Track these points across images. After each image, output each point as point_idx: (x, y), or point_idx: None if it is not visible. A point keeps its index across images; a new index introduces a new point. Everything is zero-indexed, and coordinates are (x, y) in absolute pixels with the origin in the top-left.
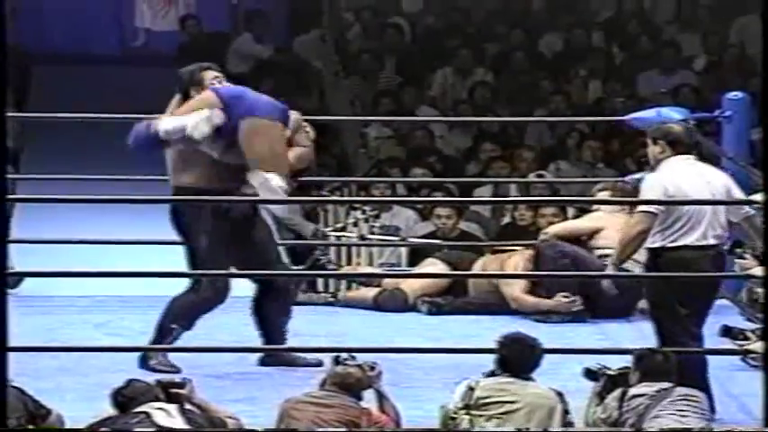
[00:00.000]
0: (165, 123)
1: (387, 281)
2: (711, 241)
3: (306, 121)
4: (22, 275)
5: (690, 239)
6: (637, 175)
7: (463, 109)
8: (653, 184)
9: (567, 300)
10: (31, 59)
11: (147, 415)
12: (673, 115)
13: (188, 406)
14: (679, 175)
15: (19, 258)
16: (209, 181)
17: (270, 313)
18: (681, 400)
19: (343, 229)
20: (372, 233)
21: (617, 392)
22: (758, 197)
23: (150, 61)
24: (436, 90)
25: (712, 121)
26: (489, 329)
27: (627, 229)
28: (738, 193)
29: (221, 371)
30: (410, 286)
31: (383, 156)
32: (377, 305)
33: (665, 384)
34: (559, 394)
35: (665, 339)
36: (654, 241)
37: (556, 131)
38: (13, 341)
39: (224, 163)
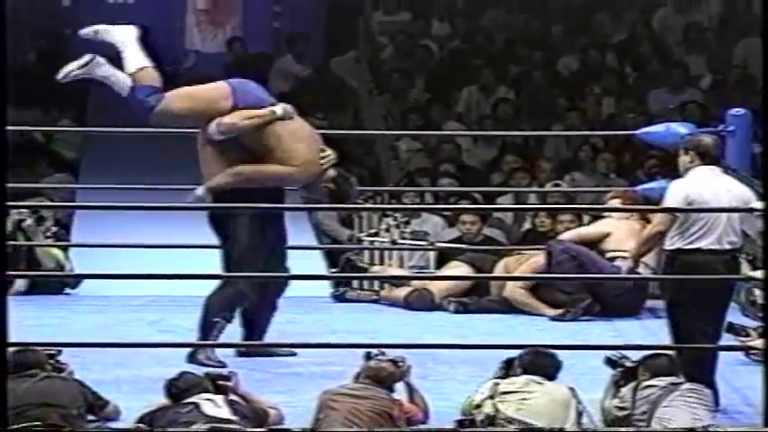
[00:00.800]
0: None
1: (415, 281)
2: (726, 246)
3: (341, 134)
4: (82, 277)
5: (704, 243)
6: (647, 185)
7: (487, 124)
8: (676, 189)
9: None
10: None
11: (196, 405)
12: (680, 130)
13: (233, 397)
14: (702, 183)
15: (78, 261)
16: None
17: (258, 309)
18: (689, 393)
19: (377, 234)
20: (403, 238)
21: (632, 384)
22: (760, 205)
23: (200, 80)
24: (462, 106)
25: (717, 136)
26: (510, 327)
27: (648, 228)
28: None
29: (263, 365)
30: (437, 287)
31: (413, 167)
32: (407, 304)
33: (675, 379)
34: (572, 389)
35: (678, 337)
36: (672, 243)
37: (572, 144)
38: (73, 337)
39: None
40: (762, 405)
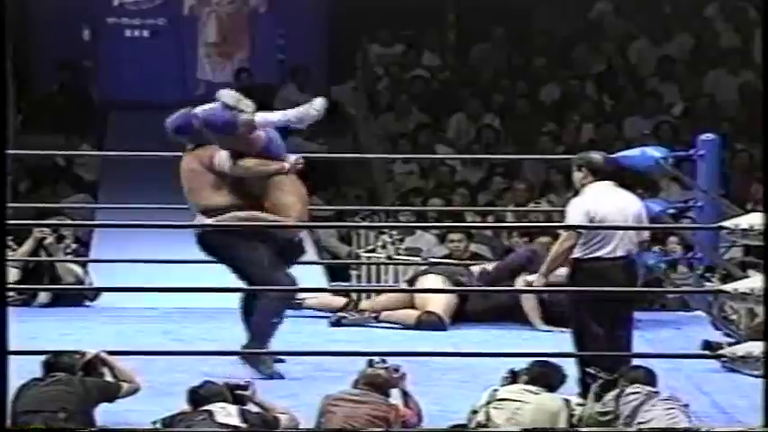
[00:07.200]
0: (280, 115)
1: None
2: (620, 253)
3: (340, 158)
4: (99, 290)
5: (603, 252)
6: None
7: (474, 148)
8: (576, 207)
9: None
10: (109, 106)
11: (210, 413)
12: (654, 153)
13: (250, 405)
14: (599, 199)
15: (97, 275)
16: (237, 200)
17: (257, 314)
18: (668, 400)
19: (373, 250)
20: (398, 254)
21: (615, 391)
22: (729, 223)
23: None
24: (451, 132)
25: (688, 159)
26: (498, 337)
27: (557, 245)
28: (645, 218)
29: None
30: (443, 309)
31: (407, 188)
32: (418, 325)
33: (654, 388)
34: (566, 401)
35: (580, 337)
36: (574, 252)
37: (553, 168)
38: (93, 345)
39: (244, 184)
40: (762, 406)
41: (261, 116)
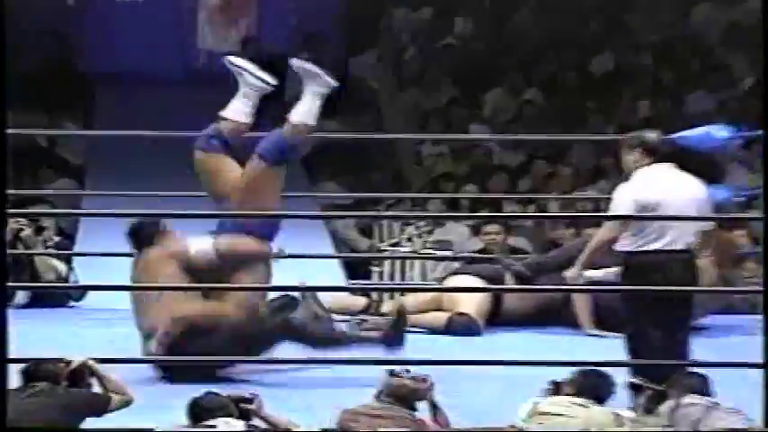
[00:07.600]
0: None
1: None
2: (679, 246)
3: (361, 138)
4: (86, 288)
5: (660, 244)
6: None
7: (514, 128)
8: (624, 193)
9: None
10: (98, 80)
11: (213, 428)
12: (720, 134)
13: (255, 420)
14: (652, 184)
15: (84, 272)
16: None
17: None
18: (732, 412)
19: (398, 244)
20: (426, 248)
21: (670, 403)
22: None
23: (211, 81)
24: (488, 110)
25: (758, 140)
26: (540, 342)
27: (598, 235)
28: (707, 206)
29: (281, 380)
30: (475, 310)
31: (437, 172)
32: (448, 329)
33: (712, 399)
34: (616, 415)
35: (635, 346)
36: (624, 245)
37: (604, 150)
38: (78, 352)
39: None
40: (762, 405)
41: (299, 114)
